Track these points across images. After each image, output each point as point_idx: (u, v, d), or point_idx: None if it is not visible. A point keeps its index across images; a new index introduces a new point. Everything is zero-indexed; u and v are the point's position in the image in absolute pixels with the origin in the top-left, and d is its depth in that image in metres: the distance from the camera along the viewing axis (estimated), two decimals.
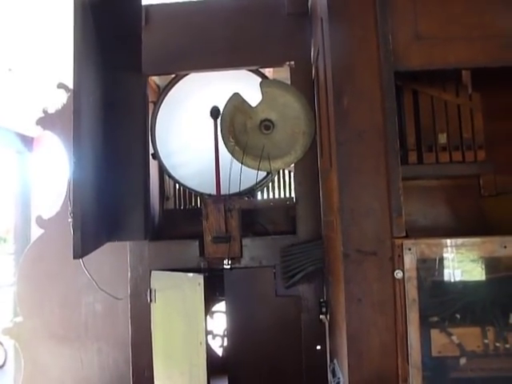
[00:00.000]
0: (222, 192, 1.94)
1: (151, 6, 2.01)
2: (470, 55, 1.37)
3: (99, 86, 1.69)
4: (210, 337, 2.24)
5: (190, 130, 2.04)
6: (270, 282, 1.83)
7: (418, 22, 1.38)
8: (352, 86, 1.36)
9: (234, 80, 1.99)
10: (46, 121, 2.44)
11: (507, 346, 1.28)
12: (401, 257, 1.27)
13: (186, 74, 2.03)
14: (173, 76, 2.05)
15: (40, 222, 2.36)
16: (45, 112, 2.45)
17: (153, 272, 1.86)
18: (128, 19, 1.71)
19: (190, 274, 1.74)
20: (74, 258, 1.28)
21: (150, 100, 2.07)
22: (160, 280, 1.83)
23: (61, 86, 2.44)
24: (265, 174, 1.98)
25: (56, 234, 2.24)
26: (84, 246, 1.42)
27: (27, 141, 3.84)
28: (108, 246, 1.85)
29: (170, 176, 2.02)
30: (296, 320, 1.82)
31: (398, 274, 1.27)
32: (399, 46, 1.36)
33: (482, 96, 1.75)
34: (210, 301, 2.11)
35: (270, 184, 2.40)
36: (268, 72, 2.17)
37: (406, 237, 1.31)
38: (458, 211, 1.82)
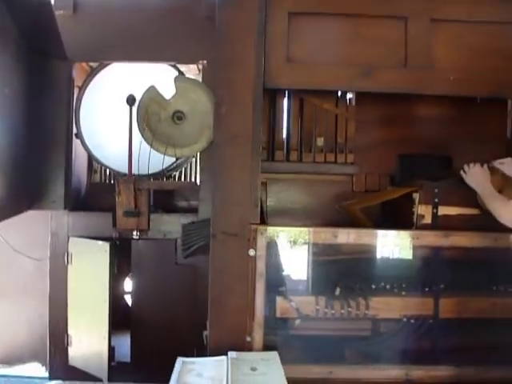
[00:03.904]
0: (140, 172, 2.21)
1: None
2: (331, 79, 1.67)
3: (21, 72, 1.87)
4: (128, 296, 2.56)
5: (111, 114, 2.26)
6: (172, 253, 2.15)
7: (289, 48, 1.65)
8: (230, 97, 1.63)
9: (154, 72, 2.21)
10: None
11: (333, 311, 1.66)
12: (255, 239, 1.60)
13: (111, 63, 2.23)
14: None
15: None
16: None
17: (70, 238, 2.13)
18: (41, 10, 1.84)
19: (100, 242, 2.02)
20: None
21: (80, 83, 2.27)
22: (76, 245, 2.11)
23: None
24: (175, 159, 2.25)
25: None
26: (1, 213, 1.68)
27: None
28: (40, 214, 2.11)
29: (90, 154, 2.26)
30: (192, 285, 2.15)
31: (251, 253, 1.60)
32: (271, 66, 1.64)
33: (358, 108, 2.07)
34: (128, 265, 2.41)
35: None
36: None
37: (261, 223, 1.64)
38: (333, 203, 2.17)
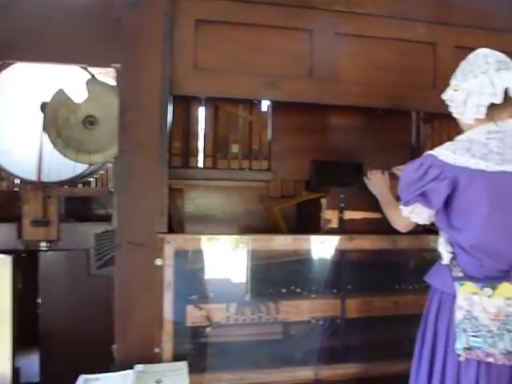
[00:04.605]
0: (52, 179, 2.10)
1: None
2: (238, 88, 1.68)
3: None
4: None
5: (19, 117, 2.13)
6: (85, 263, 2.06)
7: (197, 55, 1.64)
8: (135, 104, 1.59)
9: (64, 74, 2.12)
10: None
11: (244, 317, 1.68)
12: (162, 248, 1.57)
13: (15, 63, 2.11)
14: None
15: None
16: None
17: None
18: None
19: (1, 255, 1.88)
20: None
21: None
22: None
23: None
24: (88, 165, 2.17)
25: None
26: None
27: None
28: None
29: None
30: (106, 296, 2.07)
31: (158, 262, 1.56)
32: (179, 73, 1.62)
33: (274, 115, 2.12)
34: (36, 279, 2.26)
35: None
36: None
37: (170, 232, 1.62)
38: (250, 208, 2.20)
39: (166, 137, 1.59)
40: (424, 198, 1.28)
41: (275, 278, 1.72)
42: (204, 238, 1.61)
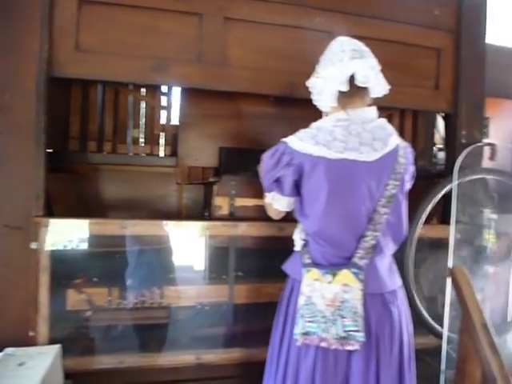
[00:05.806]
0: None
1: None
2: (122, 71, 1.66)
3: None
4: None
5: None
6: None
7: (79, 36, 1.62)
8: (13, 85, 1.56)
9: None
10: None
11: (125, 302, 1.69)
12: (38, 232, 1.56)
13: None
14: None
15: None
16: None
17: None
18: None
19: None
20: None
21: None
22: None
23: None
24: None
25: None
26: None
27: None
28: None
29: None
30: None
31: (33, 246, 1.56)
32: (59, 55, 1.59)
33: (184, 101, 2.11)
34: None
35: None
36: None
37: (48, 216, 1.61)
38: (157, 194, 2.20)
39: (43, 119, 1.56)
40: (278, 184, 1.29)
41: (161, 264, 1.73)
42: (83, 223, 1.60)
